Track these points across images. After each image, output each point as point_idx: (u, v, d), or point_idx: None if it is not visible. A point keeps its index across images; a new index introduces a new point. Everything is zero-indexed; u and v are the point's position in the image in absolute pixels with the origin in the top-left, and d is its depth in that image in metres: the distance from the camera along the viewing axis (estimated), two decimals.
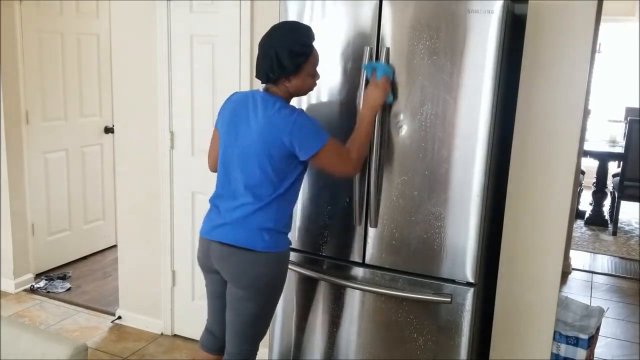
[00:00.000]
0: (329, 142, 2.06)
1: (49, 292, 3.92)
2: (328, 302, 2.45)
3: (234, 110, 2.16)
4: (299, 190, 2.21)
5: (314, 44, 2.10)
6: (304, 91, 2.17)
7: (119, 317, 3.55)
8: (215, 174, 2.29)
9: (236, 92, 2.26)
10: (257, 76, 2.12)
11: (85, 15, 4.31)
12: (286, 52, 2.01)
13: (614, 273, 4.72)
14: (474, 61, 2.06)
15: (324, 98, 2.33)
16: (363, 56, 2.18)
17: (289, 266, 2.37)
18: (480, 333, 2.45)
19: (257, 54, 2.11)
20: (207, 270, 2.29)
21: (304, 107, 2.37)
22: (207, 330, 2.44)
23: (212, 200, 2.24)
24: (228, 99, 2.24)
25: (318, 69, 2.15)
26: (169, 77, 3.12)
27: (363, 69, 2.18)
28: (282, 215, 2.16)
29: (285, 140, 2.02)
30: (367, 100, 2.15)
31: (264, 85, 2.15)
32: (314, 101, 2.35)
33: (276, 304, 2.27)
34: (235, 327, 2.25)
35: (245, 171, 2.10)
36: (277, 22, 2.36)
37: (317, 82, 2.17)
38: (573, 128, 2.27)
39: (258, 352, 2.97)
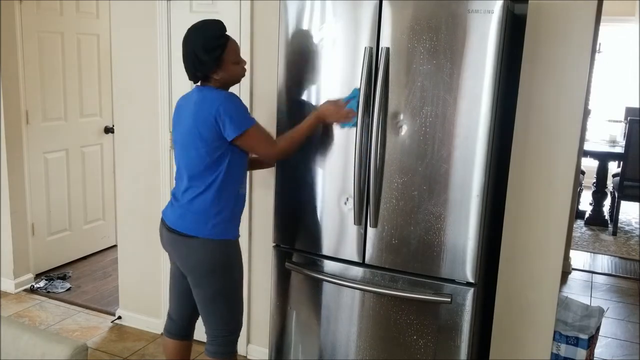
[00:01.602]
0: (254, 126, 2.19)
1: (49, 292, 3.92)
2: (328, 302, 2.45)
3: (179, 107, 2.33)
4: (241, 175, 2.29)
5: (228, 33, 2.21)
6: (234, 79, 2.28)
7: (119, 317, 3.55)
8: None
9: (182, 96, 2.39)
10: (189, 78, 2.25)
11: (85, 15, 4.31)
12: (201, 51, 2.14)
13: (614, 273, 4.72)
14: (474, 61, 2.07)
15: (324, 98, 2.33)
16: (363, 56, 2.18)
17: (288, 264, 2.38)
18: (480, 333, 2.45)
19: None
20: (166, 251, 2.43)
21: (308, 105, 2.37)
22: (168, 315, 2.55)
23: (173, 189, 2.39)
24: (177, 103, 2.37)
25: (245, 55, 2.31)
26: (169, 77, 3.12)
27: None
28: (225, 200, 2.23)
29: (212, 119, 2.12)
30: (321, 109, 2.27)
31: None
32: (313, 102, 2.35)
33: (235, 287, 2.34)
34: (200, 310, 2.38)
35: (185, 156, 2.23)
36: (277, 22, 2.37)
37: (246, 67, 2.28)
38: (573, 128, 2.27)
39: (258, 352, 2.98)
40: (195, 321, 2.54)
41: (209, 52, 2.14)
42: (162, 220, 2.37)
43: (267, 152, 2.27)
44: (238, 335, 2.43)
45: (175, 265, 2.43)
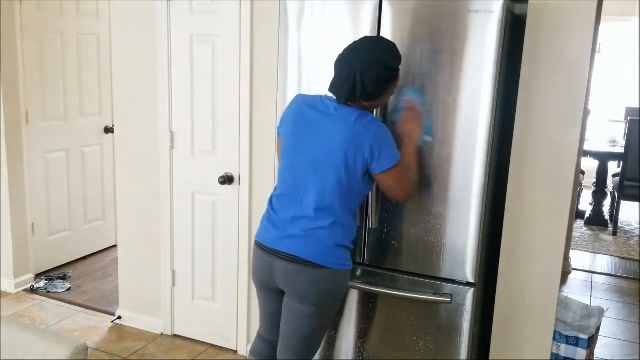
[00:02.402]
0: (401, 162, 1.98)
1: (49, 292, 3.92)
2: None
3: (301, 116, 2.04)
4: (361, 203, 2.13)
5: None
6: (376, 107, 2.08)
7: (119, 317, 3.54)
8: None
9: (300, 95, 2.14)
10: (333, 94, 1.99)
11: (85, 15, 4.31)
12: (373, 78, 1.89)
13: (614, 273, 4.72)
14: (474, 61, 2.07)
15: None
16: None
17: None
18: (480, 333, 2.45)
19: (335, 70, 1.98)
20: (266, 287, 2.18)
21: None
22: (263, 339, 2.33)
23: (274, 203, 2.12)
24: (291, 103, 2.11)
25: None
26: (169, 77, 3.12)
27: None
28: (350, 231, 2.08)
29: (366, 150, 1.91)
30: (404, 136, 2.10)
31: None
32: None
33: (333, 318, 2.22)
34: (292, 341, 2.15)
35: (320, 181, 1.98)
36: (277, 22, 2.37)
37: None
38: (573, 128, 2.27)
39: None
40: None
41: (379, 83, 1.90)
42: (268, 245, 2.09)
43: (409, 188, 2.06)
44: None
45: (275, 302, 2.18)
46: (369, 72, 1.90)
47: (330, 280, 2.05)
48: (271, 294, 2.19)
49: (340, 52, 1.99)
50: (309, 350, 2.19)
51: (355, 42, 1.98)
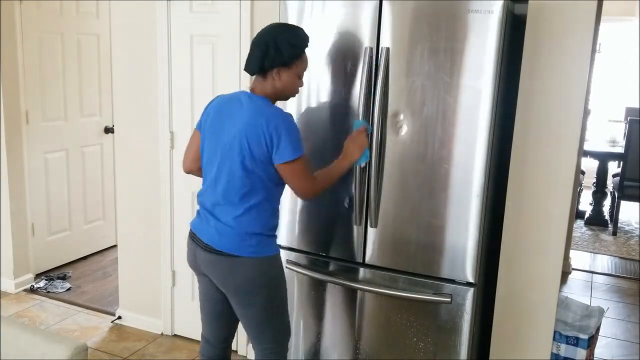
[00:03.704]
0: (303, 157, 2.03)
1: (49, 292, 3.92)
2: (328, 302, 2.45)
3: (219, 110, 2.13)
4: (282, 192, 2.16)
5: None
6: (288, 92, 2.13)
7: (119, 317, 3.55)
8: (189, 174, 2.29)
9: (220, 95, 2.22)
10: (247, 68, 2.08)
11: (85, 15, 4.31)
12: (285, 42, 2.01)
13: (614, 273, 4.72)
14: (474, 61, 2.07)
15: (323, 98, 2.33)
16: (363, 56, 2.18)
17: (288, 266, 2.37)
18: (480, 333, 2.45)
19: (251, 45, 2.08)
20: (196, 272, 2.25)
21: (304, 107, 2.37)
22: (203, 337, 2.39)
23: (199, 197, 2.19)
24: (212, 102, 2.20)
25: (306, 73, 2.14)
26: (169, 77, 3.12)
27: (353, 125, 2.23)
28: (267, 218, 2.11)
29: (267, 136, 1.97)
30: (344, 152, 2.19)
31: (248, 86, 2.14)
32: (313, 101, 2.35)
33: (281, 302, 2.21)
34: (248, 331, 2.23)
35: (228, 168, 2.05)
36: (277, 22, 2.37)
37: (301, 88, 2.15)
38: (573, 128, 2.27)
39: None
40: (232, 342, 2.42)
41: (291, 47, 2.01)
42: (195, 236, 2.17)
43: (304, 190, 2.10)
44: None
45: (207, 285, 2.24)
46: (282, 37, 2.01)
47: (247, 269, 2.07)
48: (202, 277, 2.25)
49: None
50: (271, 339, 2.21)
51: (269, 24, 2.12)
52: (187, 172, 2.31)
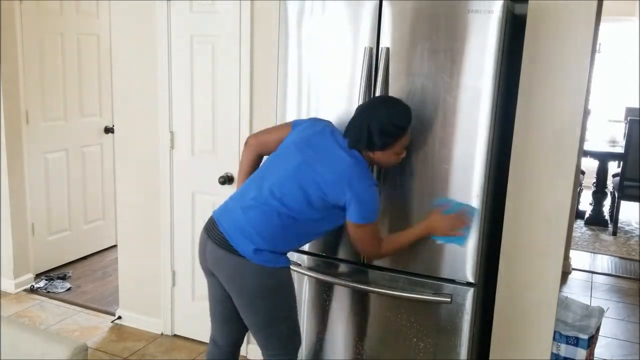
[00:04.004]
0: (373, 224, 2.05)
1: (49, 292, 3.92)
2: (328, 302, 2.45)
3: (318, 132, 2.11)
4: (322, 231, 2.17)
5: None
6: (382, 164, 2.14)
7: (119, 317, 3.55)
8: (236, 181, 2.28)
9: (328, 122, 2.19)
10: (346, 135, 2.08)
11: (85, 15, 4.31)
12: (377, 130, 2.00)
13: (614, 273, 4.72)
14: (474, 61, 2.07)
15: (323, 98, 2.33)
16: (363, 56, 2.18)
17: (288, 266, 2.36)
18: (480, 333, 2.45)
19: (352, 118, 2.08)
20: (206, 272, 2.23)
21: (304, 107, 2.37)
22: (211, 340, 2.36)
23: (240, 188, 2.20)
24: (321, 122, 2.17)
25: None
26: (169, 77, 3.12)
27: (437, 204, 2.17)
28: (293, 242, 2.13)
29: (346, 196, 1.99)
30: (428, 221, 2.14)
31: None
32: (313, 102, 2.35)
33: (290, 312, 2.18)
34: (255, 337, 2.21)
35: (288, 187, 2.03)
36: (277, 22, 2.37)
37: (401, 157, 2.13)
38: (573, 128, 2.27)
39: (258, 352, 2.94)
40: (241, 346, 2.41)
41: (383, 136, 2.01)
42: (211, 227, 2.14)
43: (368, 251, 2.15)
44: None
45: (216, 286, 2.21)
46: (375, 123, 2.00)
47: (255, 274, 2.06)
48: (211, 278, 2.22)
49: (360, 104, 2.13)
50: (279, 346, 2.18)
51: (374, 98, 2.14)
52: (249, 145, 2.29)
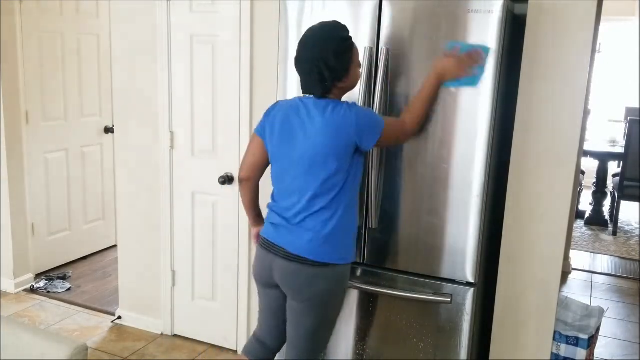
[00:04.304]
0: (386, 124, 2.02)
1: (49, 292, 3.92)
2: None
3: (286, 118, 2.07)
4: (358, 187, 2.12)
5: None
6: (354, 85, 2.10)
7: (119, 317, 3.55)
8: (246, 182, 2.24)
9: (280, 101, 2.18)
10: (309, 92, 2.04)
11: (85, 15, 4.31)
12: (332, 54, 1.95)
13: (614, 273, 4.72)
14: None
15: None
16: (363, 56, 2.18)
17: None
18: (480, 333, 2.45)
19: (297, 70, 2.05)
20: (265, 284, 2.20)
21: None
22: (257, 339, 2.33)
23: (274, 206, 2.15)
24: (274, 108, 2.14)
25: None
26: (169, 77, 3.12)
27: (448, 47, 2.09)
28: (353, 218, 2.10)
29: (352, 137, 1.97)
30: (435, 67, 2.07)
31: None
32: None
33: (337, 316, 2.21)
34: (295, 340, 2.17)
35: (311, 176, 2.01)
36: (277, 22, 2.37)
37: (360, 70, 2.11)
38: (573, 128, 2.27)
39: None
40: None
41: (340, 56, 1.96)
42: (272, 245, 2.10)
43: (405, 137, 2.11)
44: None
45: (274, 299, 2.20)
46: (326, 53, 1.95)
47: (334, 275, 2.07)
48: (270, 290, 2.20)
49: (295, 52, 2.05)
50: (314, 350, 2.19)
51: (303, 37, 2.04)
52: (244, 180, 2.24)
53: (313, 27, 2.04)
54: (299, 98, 2.11)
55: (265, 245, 2.14)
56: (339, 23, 2.03)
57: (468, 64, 2.06)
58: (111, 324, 3.54)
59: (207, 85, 3.04)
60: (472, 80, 2.06)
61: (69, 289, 3.97)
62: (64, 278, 4.13)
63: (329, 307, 2.13)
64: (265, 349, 2.31)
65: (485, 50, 2.04)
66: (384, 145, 2.13)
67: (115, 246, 4.28)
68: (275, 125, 2.10)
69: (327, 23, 2.04)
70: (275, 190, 2.17)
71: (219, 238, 3.16)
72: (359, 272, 2.36)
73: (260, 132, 2.16)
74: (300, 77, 2.05)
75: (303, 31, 2.28)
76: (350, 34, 2.03)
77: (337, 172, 2.00)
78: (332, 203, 2.02)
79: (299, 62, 2.04)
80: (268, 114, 2.16)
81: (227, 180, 3.04)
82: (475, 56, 2.05)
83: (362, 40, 2.21)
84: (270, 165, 2.17)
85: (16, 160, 3.86)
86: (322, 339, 2.20)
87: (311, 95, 2.05)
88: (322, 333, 2.18)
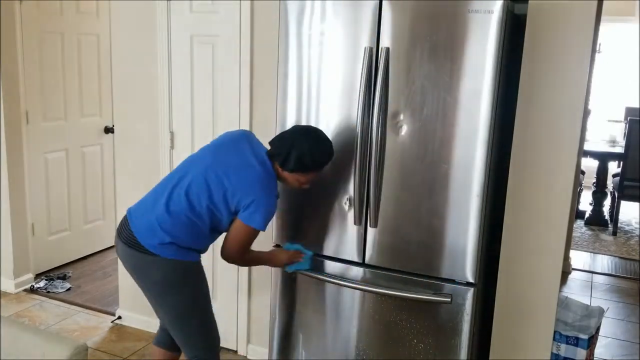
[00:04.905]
0: (256, 232, 2.19)
1: (49, 292, 3.92)
2: (328, 302, 2.45)
3: (231, 140, 2.30)
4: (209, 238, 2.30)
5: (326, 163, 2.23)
6: (286, 184, 2.27)
7: (119, 317, 3.55)
8: None
9: (247, 131, 2.45)
10: (270, 144, 2.23)
11: (85, 15, 4.31)
12: (296, 155, 2.14)
13: (614, 273, 4.72)
14: (474, 61, 2.07)
15: (324, 97, 2.33)
16: (363, 56, 2.18)
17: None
18: (480, 333, 2.45)
19: (283, 134, 2.25)
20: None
21: (304, 106, 2.37)
22: (160, 327, 2.51)
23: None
24: (236, 131, 2.41)
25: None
26: (169, 77, 3.12)
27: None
28: (200, 238, 2.24)
29: (245, 201, 2.14)
30: (273, 254, 2.40)
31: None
32: (313, 101, 2.35)
33: (197, 305, 2.29)
34: (171, 334, 2.35)
35: (199, 186, 2.17)
36: (277, 22, 2.37)
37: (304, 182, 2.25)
38: (573, 128, 2.27)
39: (258, 352, 2.96)
40: None
41: (298, 162, 2.15)
42: (126, 225, 2.27)
43: (234, 252, 2.24)
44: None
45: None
46: (298, 149, 2.15)
47: (151, 265, 2.21)
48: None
49: (296, 126, 2.29)
50: (192, 344, 2.30)
51: (309, 126, 2.27)
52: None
53: (316, 131, 2.23)
54: (257, 140, 2.33)
55: (120, 225, 2.33)
56: (331, 151, 2.21)
57: (294, 258, 2.39)
58: (111, 324, 3.54)
59: (207, 85, 3.04)
60: (302, 265, 2.40)
61: (69, 289, 3.98)
62: (64, 278, 4.13)
63: (173, 298, 2.24)
64: (166, 335, 2.45)
65: (306, 252, 2.40)
66: (230, 234, 2.22)
67: (115, 246, 4.27)
68: (222, 136, 2.36)
69: (323, 138, 2.21)
70: (167, 175, 2.35)
71: (219, 238, 3.15)
72: (359, 272, 2.36)
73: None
74: (278, 136, 2.25)
75: (303, 31, 2.30)
76: (327, 162, 2.22)
77: (213, 203, 2.17)
78: (191, 217, 2.18)
79: (290, 129, 2.25)
80: (232, 131, 2.44)
81: None
82: (298, 255, 2.39)
83: (362, 40, 2.21)
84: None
85: (16, 160, 3.86)
86: (189, 331, 2.29)
87: (265, 148, 2.26)
88: (185, 324, 2.28)
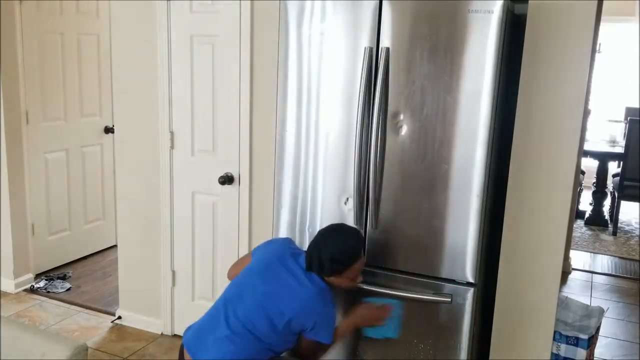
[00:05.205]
0: (326, 346, 2.14)
1: (49, 292, 3.92)
2: None
3: (278, 258, 2.18)
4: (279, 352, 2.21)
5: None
6: (341, 287, 2.20)
7: (119, 317, 3.55)
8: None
9: (287, 242, 2.30)
10: (306, 262, 2.15)
11: (85, 15, 4.31)
12: (328, 258, 2.08)
13: (614, 273, 4.72)
14: (474, 61, 2.07)
15: (324, 97, 2.33)
16: (363, 56, 2.18)
17: None
18: (480, 333, 2.45)
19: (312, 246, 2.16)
20: None
21: (304, 106, 2.37)
22: None
23: (209, 311, 2.26)
24: (276, 245, 2.28)
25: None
26: (169, 77, 3.12)
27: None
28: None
29: (308, 324, 2.08)
30: (356, 314, 2.25)
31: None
32: (313, 101, 2.35)
33: None
34: None
35: (256, 313, 2.09)
36: (277, 22, 2.37)
37: (359, 280, 2.21)
38: (573, 128, 2.27)
39: None
40: None
41: (333, 263, 2.09)
42: (185, 347, 2.22)
43: (307, 357, 2.20)
44: None
45: None
46: (327, 252, 2.09)
47: None
48: None
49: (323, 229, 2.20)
50: None
51: (328, 226, 2.20)
52: (230, 278, 2.36)
53: (340, 227, 2.19)
54: (301, 254, 2.19)
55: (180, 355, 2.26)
56: (357, 234, 2.16)
57: (381, 315, 2.23)
58: (111, 324, 3.54)
59: (207, 85, 3.04)
60: (388, 331, 2.24)
61: (69, 289, 3.97)
62: (64, 278, 4.13)
63: None
64: None
65: (397, 304, 2.23)
66: (304, 348, 2.18)
67: (115, 246, 4.28)
68: (265, 254, 2.23)
69: (348, 230, 2.17)
70: (226, 292, 2.23)
71: (219, 238, 3.16)
72: None
73: (255, 251, 2.31)
74: (309, 254, 2.15)
75: (303, 31, 2.30)
76: (361, 250, 2.13)
77: (276, 332, 2.09)
78: (258, 348, 2.10)
79: (315, 236, 2.18)
80: (271, 241, 2.36)
81: (227, 180, 3.04)
82: (388, 308, 2.23)
83: (362, 40, 2.21)
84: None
85: (16, 160, 3.86)
86: None
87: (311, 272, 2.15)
88: None
